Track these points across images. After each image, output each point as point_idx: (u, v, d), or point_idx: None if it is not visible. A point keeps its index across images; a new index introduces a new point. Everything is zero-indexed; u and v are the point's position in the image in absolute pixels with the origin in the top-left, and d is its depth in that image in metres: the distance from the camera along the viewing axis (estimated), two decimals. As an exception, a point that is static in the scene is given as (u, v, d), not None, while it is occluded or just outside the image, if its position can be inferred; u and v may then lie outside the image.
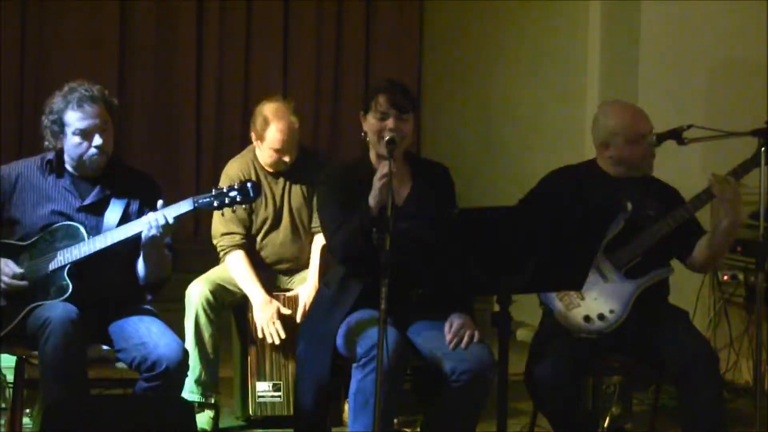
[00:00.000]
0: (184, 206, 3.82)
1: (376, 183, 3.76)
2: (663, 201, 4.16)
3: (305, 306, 4.64)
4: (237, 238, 4.72)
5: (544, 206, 4.06)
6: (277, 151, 4.71)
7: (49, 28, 7.59)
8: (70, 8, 7.59)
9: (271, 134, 4.69)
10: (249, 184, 3.83)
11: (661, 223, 4.05)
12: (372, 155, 3.95)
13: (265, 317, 4.63)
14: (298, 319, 4.64)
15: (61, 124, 3.91)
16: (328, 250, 4.02)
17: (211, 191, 3.85)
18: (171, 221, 3.78)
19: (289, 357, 4.67)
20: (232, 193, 3.82)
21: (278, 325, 4.63)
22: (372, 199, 3.77)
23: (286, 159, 4.73)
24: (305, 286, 4.72)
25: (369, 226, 3.76)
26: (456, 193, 4.05)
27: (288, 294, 4.75)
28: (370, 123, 3.89)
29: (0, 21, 7.20)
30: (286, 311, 4.66)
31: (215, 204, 3.83)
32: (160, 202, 3.82)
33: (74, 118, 3.89)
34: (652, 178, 4.24)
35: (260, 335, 4.64)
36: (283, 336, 4.62)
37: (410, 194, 3.96)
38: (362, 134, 3.93)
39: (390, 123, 3.85)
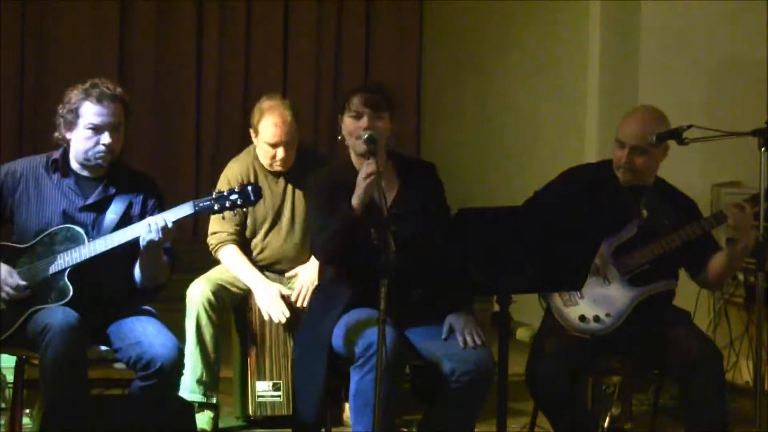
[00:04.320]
0: (185, 210, 3.82)
1: (361, 183, 3.76)
2: (679, 211, 4.15)
3: (302, 286, 4.65)
4: (226, 235, 4.72)
5: (544, 206, 4.06)
6: (271, 144, 4.69)
7: (49, 27, 7.58)
8: (70, 7, 7.58)
9: (264, 127, 4.68)
10: (249, 188, 3.83)
11: (673, 236, 4.06)
12: (353, 157, 3.95)
13: (268, 299, 4.63)
14: (294, 296, 4.65)
15: (76, 115, 3.92)
16: (313, 252, 4.03)
17: (212, 194, 3.85)
18: (170, 225, 3.78)
19: (289, 356, 4.67)
20: (233, 197, 3.82)
21: (282, 305, 4.63)
22: (356, 199, 3.76)
23: (281, 155, 4.69)
24: (306, 267, 4.72)
25: (351, 226, 3.75)
26: (444, 190, 4.04)
27: (288, 274, 4.75)
28: (346, 124, 3.90)
29: (0, 21, 7.19)
30: (286, 291, 4.66)
31: (216, 207, 3.83)
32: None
33: (90, 112, 3.90)
34: (669, 186, 4.24)
35: (266, 318, 4.64)
36: (287, 315, 4.61)
37: (398, 196, 3.95)
38: (339, 138, 3.94)
39: (364, 122, 3.85)
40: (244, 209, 3.96)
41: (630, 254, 4.08)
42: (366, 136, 3.80)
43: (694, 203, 4.25)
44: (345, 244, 3.77)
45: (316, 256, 3.97)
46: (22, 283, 3.86)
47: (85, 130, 3.91)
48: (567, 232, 3.49)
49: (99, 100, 3.90)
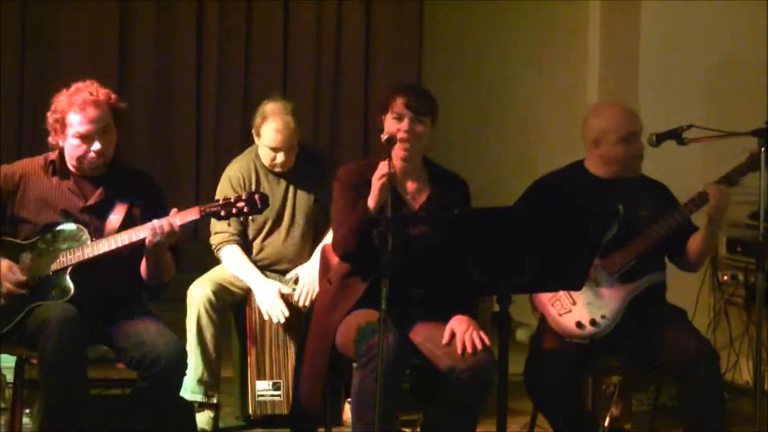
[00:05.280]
0: (191, 214, 3.82)
1: (375, 183, 3.77)
2: (654, 200, 4.16)
3: (304, 287, 4.65)
4: (228, 235, 4.73)
5: (544, 206, 4.06)
6: (272, 149, 4.72)
7: (49, 27, 7.58)
8: (70, 8, 7.59)
9: (266, 131, 4.71)
10: (257, 196, 3.83)
11: (656, 227, 4.05)
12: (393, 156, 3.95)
13: (268, 298, 4.63)
14: (296, 297, 4.65)
15: (63, 124, 3.91)
16: (332, 246, 4.03)
17: (219, 200, 3.85)
18: (176, 229, 3.79)
19: (289, 356, 4.67)
20: (240, 204, 3.82)
21: (282, 304, 4.63)
22: (371, 200, 3.78)
23: (281, 158, 4.72)
24: (305, 268, 4.72)
25: (367, 226, 3.76)
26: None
27: (289, 276, 4.76)
28: (387, 124, 3.90)
29: (0, 21, 7.20)
30: (286, 290, 4.66)
31: (222, 213, 3.83)
32: (174, 211, 3.82)
33: (76, 121, 3.89)
34: (642, 176, 4.23)
35: (266, 318, 4.64)
36: (287, 314, 4.62)
37: (427, 201, 3.96)
38: (382, 136, 3.93)
39: (405, 125, 3.86)
40: (250, 216, 3.95)
41: (615, 252, 4.07)
42: (386, 138, 3.81)
43: (664, 186, 4.25)
44: (359, 243, 3.78)
45: (334, 251, 3.96)
46: (23, 278, 3.86)
47: (74, 139, 3.90)
48: (567, 231, 3.50)
49: (83, 108, 3.87)
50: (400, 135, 3.86)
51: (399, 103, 3.89)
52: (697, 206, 4.04)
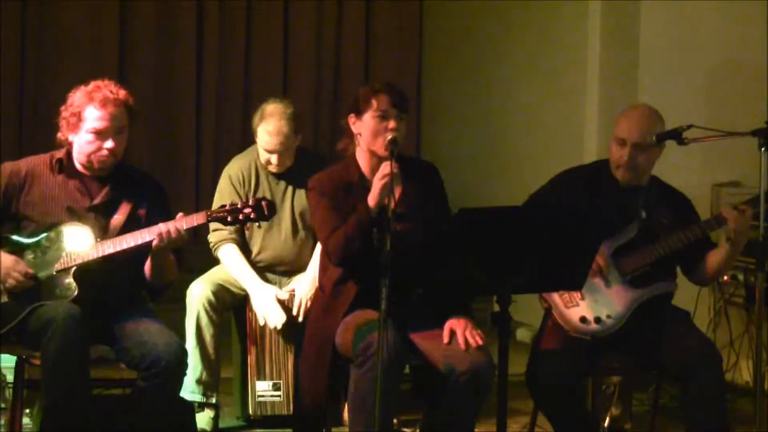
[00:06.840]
0: (198, 219, 3.84)
1: (377, 183, 3.77)
2: (675, 209, 4.16)
3: (301, 301, 4.64)
4: (227, 233, 4.73)
5: (544, 206, 4.06)
6: (266, 150, 4.71)
7: (49, 28, 7.58)
8: (70, 8, 7.58)
9: (261, 132, 4.70)
10: (264, 203, 3.85)
11: (675, 237, 4.05)
12: (361, 157, 3.95)
13: (264, 303, 4.63)
14: (294, 311, 4.64)
15: (79, 119, 3.91)
16: (325, 254, 4.02)
17: (226, 206, 3.87)
18: (183, 233, 3.79)
19: (289, 356, 4.68)
20: (247, 210, 3.84)
21: (278, 309, 4.62)
22: (371, 200, 3.78)
23: (275, 161, 4.71)
24: (302, 281, 4.71)
25: (369, 227, 3.77)
26: (445, 190, 4.05)
27: (285, 289, 4.74)
28: (367, 124, 3.89)
29: (0, 21, 7.20)
30: (283, 295, 4.66)
31: (229, 219, 3.85)
32: (180, 215, 3.83)
33: (93, 116, 3.90)
34: (664, 184, 4.24)
35: (261, 323, 4.64)
36: (284, 319, 4.61)
37: (401, 195, 3.95)
38: (357, 135, 3.93)
39: (392, 123, 3.86)
40: (259, 224, 3.95)
41: (630, 255, 4.08)
42: (390, 138, 3.81)
43: (687, 200, 4.25)
44: (361, 245, 3.78)
45: (329, 259, 3.95)
46: (30, 270, 3.86)
47: (88, 134, 3.91)
48: (567, 232, 3.50)
49: (103, 105, 3.90)
50: (385, 134, 3.85)
51: (383, 102, 3.88)
52: (720, 224, 4.05)
